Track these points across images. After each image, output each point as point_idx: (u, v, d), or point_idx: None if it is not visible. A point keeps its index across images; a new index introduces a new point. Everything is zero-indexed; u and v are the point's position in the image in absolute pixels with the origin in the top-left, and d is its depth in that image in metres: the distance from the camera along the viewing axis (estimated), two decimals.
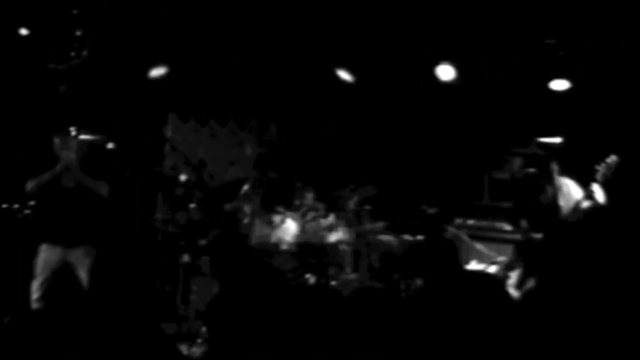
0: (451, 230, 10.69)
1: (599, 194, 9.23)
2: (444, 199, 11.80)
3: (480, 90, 11.50)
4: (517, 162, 9.64)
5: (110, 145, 11.39)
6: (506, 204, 10.58)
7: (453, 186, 12.13)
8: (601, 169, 9.18)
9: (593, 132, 11.18)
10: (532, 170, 10.33)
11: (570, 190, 9.65)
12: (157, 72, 11.29)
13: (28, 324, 4.28)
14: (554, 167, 9.66)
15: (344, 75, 11.46)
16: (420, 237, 10.84)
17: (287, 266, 9.98)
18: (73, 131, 9.66)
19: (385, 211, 11.51)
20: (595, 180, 9.21)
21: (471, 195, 11.86)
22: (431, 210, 11.66)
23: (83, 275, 9.34)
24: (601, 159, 9.33)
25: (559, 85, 11.28)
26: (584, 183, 9.55)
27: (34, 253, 9.47)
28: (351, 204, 10.94)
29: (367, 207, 11.14)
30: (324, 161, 12.90)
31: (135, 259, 11.21)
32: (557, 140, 11.27)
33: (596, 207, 9.31)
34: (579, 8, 8.81)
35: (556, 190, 9.68)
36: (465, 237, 10.73)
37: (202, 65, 11.14)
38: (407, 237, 10.75)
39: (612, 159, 9.17)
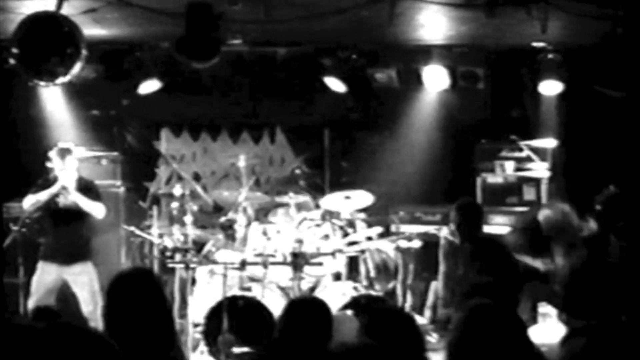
0: (446, 235, 10.69)
1: (594, 225, 9.19)
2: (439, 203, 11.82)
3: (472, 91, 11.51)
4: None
5: (104, 162, 11.40)
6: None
7: (447, 192, 12.14)
8: (598, 201, 9.12)
9: (582, 134, 11.21)
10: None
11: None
12: (149, 86, 11.30)
13: (23, 342, 4.26)
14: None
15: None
16: (417, 244, 10.83)
17: (284, 277, 9.98)
18: (70, 147, 9.68)
19: (380, 218, 11.52)
20: (591, 214, 9.15)
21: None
22: (428, 217, 11.69)
23: (79, 293, 9.36)
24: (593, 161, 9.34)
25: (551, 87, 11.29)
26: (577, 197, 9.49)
27: (31, 271, 9.50)
28: (346, 213, 10.94)
29: (361, 216, 11.15)
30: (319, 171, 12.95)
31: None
32: (549, 142, 11.30)
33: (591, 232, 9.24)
34: None
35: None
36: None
37: (193, 77, 11.18)
38: (403, 244, 10.74)
39: (609, 190, 9.13)
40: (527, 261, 9.20)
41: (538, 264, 9.10)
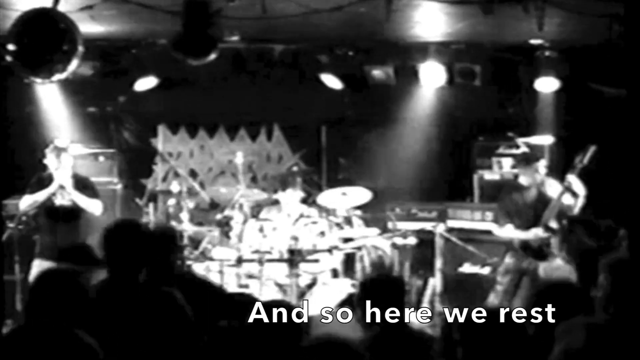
0: (442, 232, 10.69)
1: (577, 186, 9.25)
2: (436, 200, 11.82)
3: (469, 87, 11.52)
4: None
5: (101, 159, 11.40)
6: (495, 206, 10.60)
7: (443, 188, 12.15)
8: (578, 159, 9.23)
9: (579, 131, 11.21)
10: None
11: (553, 189, 9.67)
12: (145, 83, 11.29)
13: (22, 339, 4.28)
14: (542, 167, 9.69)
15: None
16: (412, 241, 10.84)
17: (280, 274, 9.97)
18: (66, 145, 9.66)
19: (377, 216, 11.52)
20: (572, 171, 9.25)
21: (460, 197, 11.89)
22: (424, 214, 11.68)
23: None
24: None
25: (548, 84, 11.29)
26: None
27: (27, 269, 9.49)
28: (342, 209, 10.94)
29: (358, 213, 11.15)
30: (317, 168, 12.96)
31: None
32: (545, 139, 11.30)
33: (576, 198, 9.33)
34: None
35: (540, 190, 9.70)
36: (456, 239, 10.74)
37: (189, 74, 11.17)
38: (399, 241, 10.75)
39: (590, 148, 9.22)
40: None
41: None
